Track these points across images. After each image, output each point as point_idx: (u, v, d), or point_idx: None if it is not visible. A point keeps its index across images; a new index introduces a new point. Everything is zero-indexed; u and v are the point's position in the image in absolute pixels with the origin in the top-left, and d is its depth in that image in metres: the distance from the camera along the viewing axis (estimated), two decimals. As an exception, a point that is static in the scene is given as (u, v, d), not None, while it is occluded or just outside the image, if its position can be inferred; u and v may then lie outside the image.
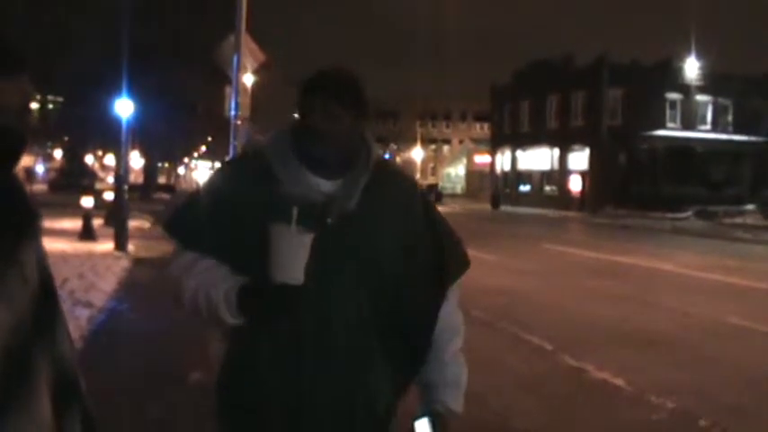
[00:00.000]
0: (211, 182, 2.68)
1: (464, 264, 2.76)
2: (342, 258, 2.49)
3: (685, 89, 58.19)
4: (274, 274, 2.24)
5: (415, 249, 2.61)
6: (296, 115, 2.57)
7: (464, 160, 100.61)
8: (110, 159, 77.27)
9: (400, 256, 2.57)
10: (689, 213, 46.71)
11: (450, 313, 2.70)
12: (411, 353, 2.66)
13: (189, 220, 2.56)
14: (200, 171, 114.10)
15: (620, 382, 8.02)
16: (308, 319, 2.46)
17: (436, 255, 2.65)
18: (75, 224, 22.86)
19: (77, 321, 9.84)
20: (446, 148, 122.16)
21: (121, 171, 21.80)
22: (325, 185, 2.50)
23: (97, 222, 22.89)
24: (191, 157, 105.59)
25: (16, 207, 1.73)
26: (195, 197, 2.66)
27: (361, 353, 2.53)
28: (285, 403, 2.52)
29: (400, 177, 2.73)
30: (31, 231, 1.76)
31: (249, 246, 2.36)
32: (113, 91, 22.33)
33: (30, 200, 1.80)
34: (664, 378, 7.92)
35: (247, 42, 15.32)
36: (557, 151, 62.90)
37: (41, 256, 1.79)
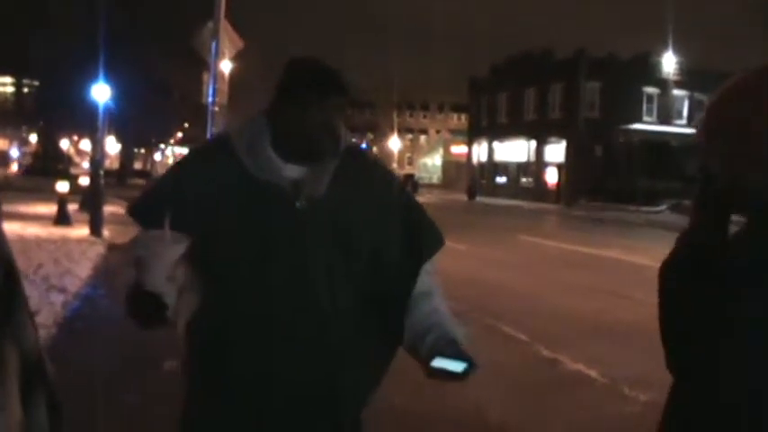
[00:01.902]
0: (177, 167, 2.72)
1: (439, 241, 2.76)
2: (313, 244, 2.50)
3: (662, 83, 58.53)
4: (142, 280, 2.19)
5: (389, 233, 2.62)
6: (275, 103, 2.57)
7: (441, 151, 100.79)
8: (85, 144, 76.74)
9: (373, 239, 2.58)
10: (663, 207, 46.97)
11: (430, 282, 2.69)
12: (387, 338, 2.66)
13: (153, 204, 2.53)
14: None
15: (593, 373, 8.07)
16: (280, 305, 2.47)
17: (410, 235, 2.66)
18: (50, 209, 22.71)
19: (52, 307, 9.79)
20: (423, 138, 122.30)
21: (97, 156, 21.66)
22: (294, 171, 2.51)
23: (72, 207, 22.73)
24: (167, 144, 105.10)
25: None
26: (161, 182, 2.69)
27: (334, 341, 2.53)
28: (253, 390, 2.52)
29: (372, 163, 2.75)
30: None
31: (209, 232, 2.34)
32: (89, 75, 22.15)
33: None
34: (637, 370, 7.98)
35: (226, 29, 15.27)
36: (533, 143, 63.08)
37: (1, 239, 1.76)
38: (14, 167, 59.82)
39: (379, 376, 2.73)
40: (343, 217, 2.54)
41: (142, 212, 2.56)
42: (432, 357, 2.47)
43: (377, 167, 2.75)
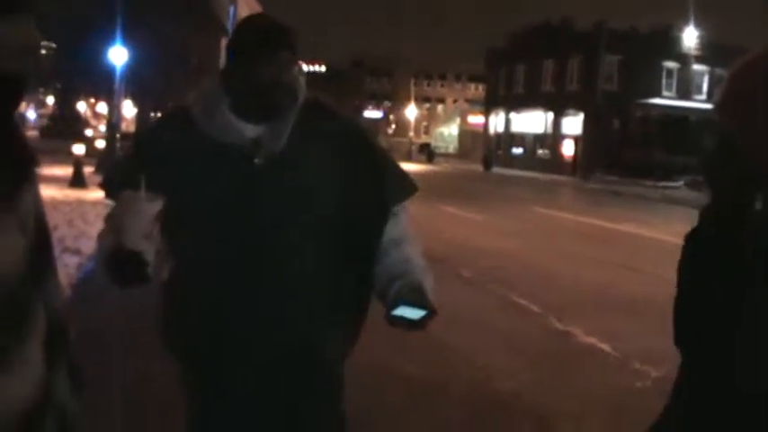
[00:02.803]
0: (140, 140, 2.81)
1: (409, 188, 2.76)
2: (273, 199, 2.52)
3: (682, 58, 58.05)
4: (121, 240, 2.21)
5: (355, 184, 2.62)
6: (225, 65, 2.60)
7: (458, 120, 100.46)
8: (102, 107, 76.81)
9: (339, 192, 2.59)
10: (680, 183, 46.71)
11: (400, 230, 2.68)
12: (358, 291, 2.67)
13: (121, 175, 2.57)
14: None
15: (606, 347, 8.06)
16: (242, 264, 2.51)
17: (379, 185, 2.66)
18: (66, 171, 22.78)
19: (66, 269, 9.84)
20: (440, 107, 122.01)
21: (113, 119, 21.69)
22: (253, 130, 2.53)
23: (88, 170, 22.79)
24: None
25: (15, 152, 1.68)
26: (126, 156, 2.74)
27: (299, 296, 2.56)
28: (221, 348, 2.57)
29: (333, 116, 2.72)
30: (30, 179, 1.72)
31: (173, 199, 2.33)
32: (107, 38, 22.15)
33: (29, 145, 1.76)
34: (650, 345, 7.95)
35: (244, -6, 15.16)
36: (551, 115, 62.77)
37: (38, 204, 1.75)
38: (35, 133, 59.85)
39: (354, 330, 2.73)
40: (305, 171, 2.55)
41: (111, 186, 2.59)
42: (395, 305, 2.46)
43: (338, 120, 2.72)
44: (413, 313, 2.41)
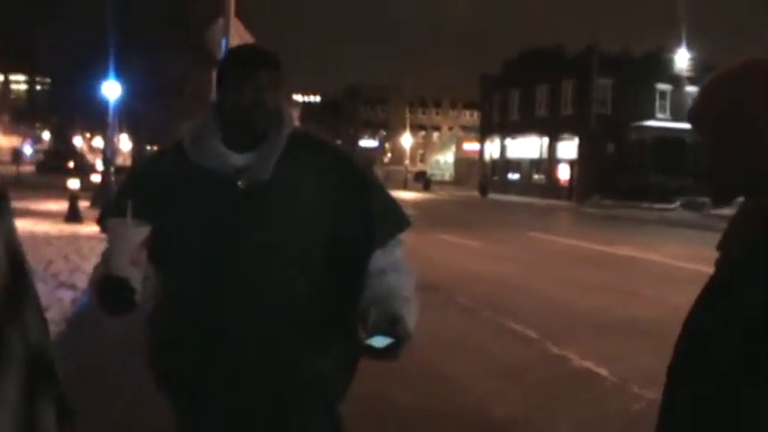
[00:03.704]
0: (134, 171, 2.81)
1: (398, 222, 2.74)
2: (263, 228, 2.52)
3: (675, 80, 58.24)
4: (108, 266, 2.23)
5: (344, 215, 2.61)
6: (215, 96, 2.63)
7: (453, 147, 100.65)
8: (98, 141, 76.98)
9: (326, 223, 2.59)
10: (676, 204, 46.79)
11: (387, 260, 2.66)
12: (348, 322, 2.66)
13: (113, 208, 2.57)
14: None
15: (603, 371, 8.03)
16: (229, 293, 2.50)
17: (366, 218, 2.64)
18: (61, 206, 22.77)
19: (61, 303, 9.82)
20: (435, 135, 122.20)
21: (108, 153, 21.72)
22: (240, 159, 2.54)
23: (84, 204, 22.80)
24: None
25: None
26: (121, 190, 2.73)
27: (292, 326, 2.54)
28: (209, 381, 2.57)
29: (321, 147, 2.72)
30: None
31: (161, 226, 2.34)
32: (101, 72, 22.22)
33: None
34: (647, 368, 7.92)
35: (236, 26, 15.24)
36: (546, 140, 62.92)
37: (11, 236, 1.74)
38: (31, 168, 59.90)
39: (347, 359, 2.70)
40: (293, 200, 2.55)
41: (106, 217, 2.58)
42: (370, 335, 2.43)
43: (328, 152, 2.72)
44: (379, 341, 2.37)
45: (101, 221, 2.62)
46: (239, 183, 2.50)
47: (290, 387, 2.57)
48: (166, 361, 2.66)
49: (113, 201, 2.74)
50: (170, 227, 2.40)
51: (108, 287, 2.22)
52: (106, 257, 2.25)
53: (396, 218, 2.74)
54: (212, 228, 2.51)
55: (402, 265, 2.69)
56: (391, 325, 2.43)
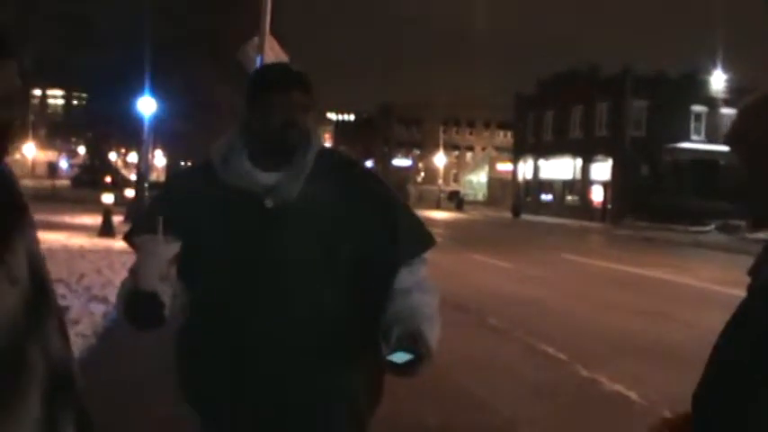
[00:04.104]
0: (162, 192, 2.88)
1: (423, 241, 2.74)
2: (287, 244, 2.53)
3: (711, 102, 57.86)
4: (137, 281, 2.23)
5: (371, 234, 2.61)
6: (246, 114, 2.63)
7: (486, 168, 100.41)
8: (133, 157, 77.61)
9: (353, 240, 2.59)
10: (711, 227, 46.37)
11: (412, 279, 2.64)
12: (370, 338, 2.63)
13: (142, 224, 2.59)
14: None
15: (633, 394, 7.95)
16: (258, 309, 2.52)
17: (392, 237, 2.64)
18: (95, 220, 22.97)
19: (93, 317, 9.88)
20: (469, 154, 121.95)
21: (142, 168, 21.89)
22: (268, 177, 2.56)
23: (117, 219, 23.00)
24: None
25: (3, 201, 1.68)
26: (149, 206, 2.76)
27: (321, 340, 2.54)
28: (235, 398, 2.57)
29: (347, 166, 2.74)
30: (20, 227, 1.72)
31: (191, 246, 2.35)
32: (137, 88, 22.43)
33: (19, 192, 1.75)
34: (678, 392, 7.81)
35: (271, 44, 15.32)
36: (579, 161, 62.64)
37: (33, 250, 1.74)
38: (66, 182, 60.49)
39: (374, 378, 2.69)
40: (319, 218, 2.56)
41: (134, 233, 2.60)
42: (392, 352, 2.41)
43: (354, 169, 2.74)
44: (400, 357, 2.36)
45: (128, 237, 2.63)
46: (266, 202, 2.52)
47: (321, 401, 2.57)
48: (196, 375, 2.66)
49: (143, 216, 2.75)
50: (197, 243, 2.41)
51: (137, 301, 2.22)
52: (134, 272, 2.25)
53: (421, 236, 2.75)
54: (241, 245, 2.53)
55: (426, 284, 2.69)
56: (412, 341, 2.41)
